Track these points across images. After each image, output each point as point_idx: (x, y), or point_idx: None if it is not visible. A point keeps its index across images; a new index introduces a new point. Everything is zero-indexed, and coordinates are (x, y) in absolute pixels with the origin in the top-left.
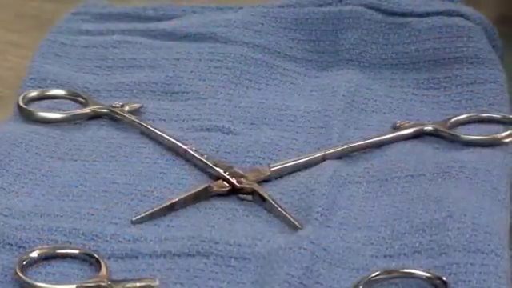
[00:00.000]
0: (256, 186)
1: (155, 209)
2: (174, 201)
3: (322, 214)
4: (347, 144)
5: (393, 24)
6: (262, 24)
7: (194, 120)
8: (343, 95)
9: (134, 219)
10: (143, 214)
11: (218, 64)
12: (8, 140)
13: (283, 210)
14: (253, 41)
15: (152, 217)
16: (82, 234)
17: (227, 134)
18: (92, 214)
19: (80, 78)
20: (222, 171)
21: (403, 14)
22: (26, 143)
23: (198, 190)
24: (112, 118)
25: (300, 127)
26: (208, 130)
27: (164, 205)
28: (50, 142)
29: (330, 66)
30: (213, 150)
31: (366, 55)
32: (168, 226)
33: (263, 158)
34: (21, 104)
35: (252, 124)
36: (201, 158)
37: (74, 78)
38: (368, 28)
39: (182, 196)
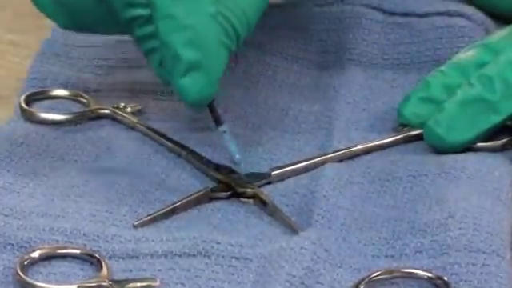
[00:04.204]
0: (257, 190)
1: (157, 213)
2: (175, 205)
3: (323, 217)
4: (348, 148)
5: (394, 24)
6: (263, 24)
7: (195, 121)
8: (344, 95)
9: (135, 223)
10: (145, 219)
11: None
12: (9, 140)
13: (284, 214)
14: (254, 41)
15: (153, 221)
16: (84, 234)
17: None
18: (94, 216)
19: (81, 78)
20: (223, 175)
21: (404, 14)
22: (27, 143)
23: (199, 194)
24: (114, 118)
25: (301, 127)
26: (209, 130)
27: (166, 209)
28: (51, 143)
29: (332, 66)
30: (214, 152)
31: (367, 55)
32: (169, 226)
33: (265, 159)
34: (22, 104)
35: (253, 124)
36: (202, 161)
37: (74, 78)
38: (369, 28)
39: (184, 200)
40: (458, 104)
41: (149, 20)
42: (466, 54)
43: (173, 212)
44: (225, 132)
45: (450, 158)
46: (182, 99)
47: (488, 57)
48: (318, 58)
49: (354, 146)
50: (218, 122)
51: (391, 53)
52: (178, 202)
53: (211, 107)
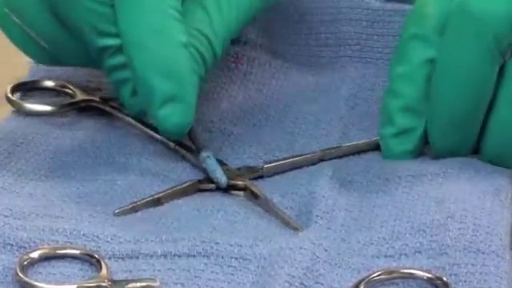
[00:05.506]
0: (248, 183)
1: (139, 202)
2: (159, 195)
3: (322, 217)
4: (348, 148)
5: (391, 11)
6: (263, 24)
7: (194, 121)
8: (344, 95)
9: (115, 211)
10: (126, 207)
11: (219, 64)
12: (9, 140)
13: (277, 207)
14: (254, 41)
15: (135, 210)
16: (83, 234)
17: (229, 135)
18: (93, 216)
19: (80, 76)
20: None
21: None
22: (26, 143)
23: (185, 185)
24: (101, 110)
25: (301, 127)
26: (209, 131)
27: (149, 198)
28: (51, 143)
29: (332, 65)
30: (214, 152)
31: (367, 49)
32: (168, 227)
33: (264, 160)
34: (9, 95)
35: (254, 125)
36: (192, 152)
37: (74, 78)
38: (367, 19)
39: (170, 190)
40: None
41: (119, 50)
42: None
43: (158, 202)
44: (208, 157)
45: (449, 158)
46: (161, 130)
47: None
48: (318, 57)
49: (353, 146)
50: (200, 148)
51: (391, 44)
52: (163, 191)
53: (191, 135)
